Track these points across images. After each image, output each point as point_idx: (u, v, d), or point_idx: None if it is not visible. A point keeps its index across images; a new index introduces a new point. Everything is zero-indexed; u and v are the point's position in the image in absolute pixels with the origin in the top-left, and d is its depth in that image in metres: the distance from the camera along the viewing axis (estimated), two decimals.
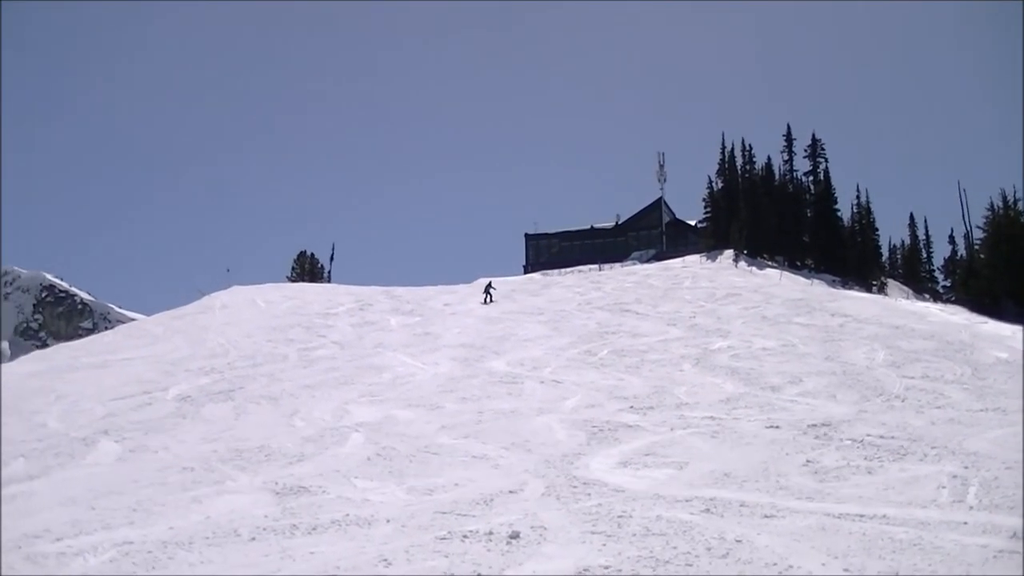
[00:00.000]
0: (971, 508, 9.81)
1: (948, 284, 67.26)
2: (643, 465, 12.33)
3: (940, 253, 73.23)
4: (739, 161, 69.26)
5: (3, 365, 27.83)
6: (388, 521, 10.06)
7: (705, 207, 70.38)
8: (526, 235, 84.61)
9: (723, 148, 69.75)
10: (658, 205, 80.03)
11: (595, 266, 64.87)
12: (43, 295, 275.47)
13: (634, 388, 18.80)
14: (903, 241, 75.23)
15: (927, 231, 72.86)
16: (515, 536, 9.26)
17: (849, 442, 13.23)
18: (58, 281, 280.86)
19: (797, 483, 11.17)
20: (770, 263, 60.78)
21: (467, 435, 14.91)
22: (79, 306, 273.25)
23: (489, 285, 39.79)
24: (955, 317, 28.81)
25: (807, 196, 68.44)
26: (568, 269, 65.00)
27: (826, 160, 68.49)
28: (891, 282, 65.51)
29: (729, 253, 61.36)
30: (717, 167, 69.94)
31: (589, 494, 10.99)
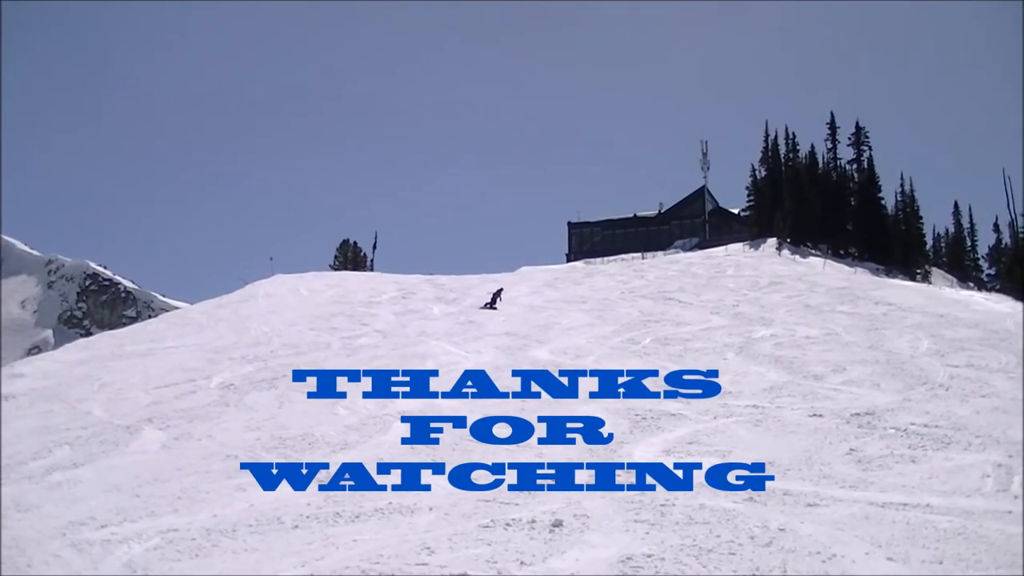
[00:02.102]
0: (1016, 497, 9.74)
1: (993, 272, 67.07)
2: (686, 454, 12.28)
3: (985, 241, 72.78)
4: (782, 149, 69.28)
5: (48, 353, 28.03)
6: (431, 509, 10.09)
7: (748, 196, 70.45)
8: (569, 223, 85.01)
9: (766, 136, 69.86)
10: (701, 194, 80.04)
11: (638, 255, 64.84)
12: (87, 283, 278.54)
13: None
14: (947, 229, 74.99)
15: (972, 219, 72.54)
16: (558, 524, 9.27)
17: (893, 431, 13.13)
18: (102, 270, 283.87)
19: (840, 472, 11.12)
20: (813, 251, 60.63)
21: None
22: (123, 294, 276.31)
23: (500, 291, 33.66)
24: (1000, 306, 28.48)
25: (851, 184, 68.27)
26: (611, 257, 65.04)
27: (870, 148, 68.40)
28: (935, 271, 65.21)
29: (772, 242, 61.25)
30: (760, 155, 70.04)
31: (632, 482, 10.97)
